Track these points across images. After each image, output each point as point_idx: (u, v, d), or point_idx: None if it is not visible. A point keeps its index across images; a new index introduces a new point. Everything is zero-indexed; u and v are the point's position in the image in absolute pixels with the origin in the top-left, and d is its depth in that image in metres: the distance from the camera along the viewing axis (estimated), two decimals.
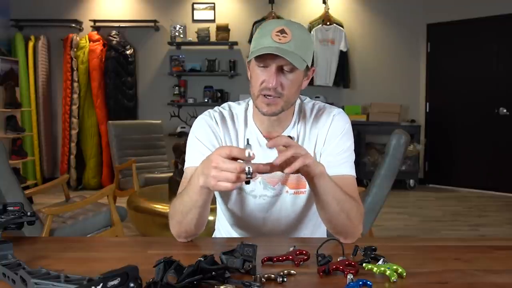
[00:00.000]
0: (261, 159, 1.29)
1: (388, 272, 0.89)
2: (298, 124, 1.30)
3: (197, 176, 1.05)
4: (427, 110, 6.35)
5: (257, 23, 6.02)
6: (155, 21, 6.25)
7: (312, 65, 1.24)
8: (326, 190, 1.10)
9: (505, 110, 5.69)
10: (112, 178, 5.54)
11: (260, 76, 1.18)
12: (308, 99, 1.37)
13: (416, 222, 4.45)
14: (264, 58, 1.15)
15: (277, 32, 1.14)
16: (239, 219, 1.35)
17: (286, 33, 1.14)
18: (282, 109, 1.20)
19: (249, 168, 0.95)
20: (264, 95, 1.18)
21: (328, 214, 1.14)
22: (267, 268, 0.95)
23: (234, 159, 0.97)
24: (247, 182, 0.98)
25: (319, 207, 1.16)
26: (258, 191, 1.29)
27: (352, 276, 0.85)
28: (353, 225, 1.16)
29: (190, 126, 1.35)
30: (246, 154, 0.95)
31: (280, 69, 1.16)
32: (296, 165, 0.99)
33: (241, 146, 1.30)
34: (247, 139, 1.03)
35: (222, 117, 1.32)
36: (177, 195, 1.18)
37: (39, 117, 6.03)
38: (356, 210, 1.16)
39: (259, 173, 0.99)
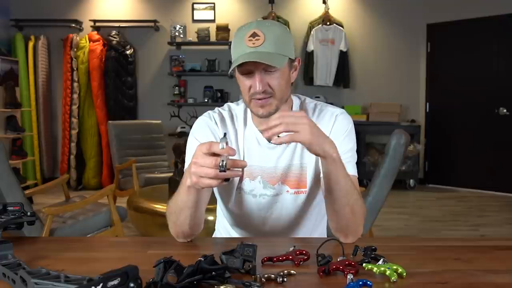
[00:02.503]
0: (260, 158, 1.29)
1: (388, 272, 0.89)
2: None
3: (185, 176, 1.06)
4: (427, 110, 6.35)
5: None
6: (155, 21, 6.26)
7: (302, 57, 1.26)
8: (336, 176, 1.10)
9: (505, 110, 5.69)
10: (112, 178, 5.54)
11: (247, 83, 1.19)
12: (308, 99, 1.37)
13: (416, 222, 4.45)
14: (245, 66, 1.16)
15: (249, 37, 1.14)
16: (239, 219, 1.35)
17: (258, 35, 1.14)
18: (277, 107, 1.20)
19: (222, 161, 0.92)
20: (255, 99, 1.19)
21: (334, 204, 1.14)
22: (267, 268, 0.95)
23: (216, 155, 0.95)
24: (226, 180, 0.95)
25: (328, 196, 1.16)
26: (257, 191, 1.29)
27: (352, 276, 0.85)
28: (355, 221, 1.16)
29: (190, 126, 1.35)
30: (220, 147, 0.92)
31: (263, 72, 1.16)
32: (285, 139, 1.03)
33: (241, 145, 1.30)
34: (224, 133, 1.03)
35: (222, 117, 1.32)
36: (172, 196, 1.18)
37: (39, 117, 6.03)
38: (359, 207, 1.16)
39: (237, 167, 0.95)
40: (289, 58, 1.20)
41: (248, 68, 1.16)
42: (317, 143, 1.04)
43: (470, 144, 5.94)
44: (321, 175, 1.18)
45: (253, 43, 1.14)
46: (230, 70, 1.19)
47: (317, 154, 1.07)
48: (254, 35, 1.14)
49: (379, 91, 6.28)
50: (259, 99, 1.18)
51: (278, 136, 1.03)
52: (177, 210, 1.13)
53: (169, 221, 1.17)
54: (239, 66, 1.15)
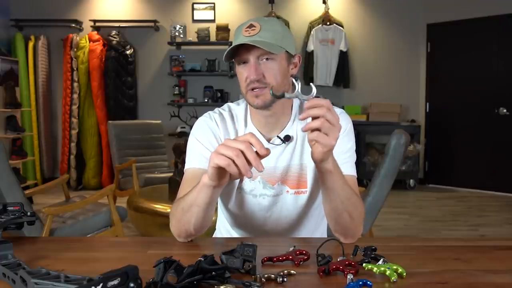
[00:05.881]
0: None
1: (388, 272, 0.89)
2: (297, 123, 1.30)
3: (203, 179, 1.05)
4: (427, 110, 6.35)
5: None
6: (155, 21, 6.26)
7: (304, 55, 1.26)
8: (332, 187, 1.10)
9: (505, 110, 5.69)
10: (112, 178, 5.54)
11: (243, 73, 1.20)
12: None
13: (416, 222, 4.45)
14: (240, 55, 1.18)
15: (246, 28, 1.17)
16: (239, 219, 1.35)
17: (254, 26, 1.17)
18: (273, 98, 1.19)
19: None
20: (252, 89, 1.19)
21: (332, 210, 1.15)
22: (267, 268, 0.95)
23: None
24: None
25: (324, 201, 1.16)
26: (257, 191, 1.29)
27: (352, 276, 0.85)
28: (354, 225, 1.16)
29: (190, 126, 1.35)
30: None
31: (258, 60, 1.17)
32: (313, 136, 0.97)
33: None
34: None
35: (222, 118, 1.32)
36: (183, 194, 1.17)
37: (39, 117, 6.03)
38: (358, 210, 1.16)
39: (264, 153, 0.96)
40: (287, 52, 1.21)
41: (244, 57, 1.18)
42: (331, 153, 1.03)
43: (470, 144, 5.94)
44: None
45: (249, 33, 1.16)
46: (223, 58, 1.20)
47: (318, 162, 1.05)
48: (250, 26, 1.17)
49: (379, 91, 6.29)
50: (254, 89, 1.18)
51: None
52: (186, 206, 1.11)
53: (173, 219, 1.16)
54: (236, 56, 1.18)
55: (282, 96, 1.03)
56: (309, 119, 0.97)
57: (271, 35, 1.16)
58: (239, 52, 1.17)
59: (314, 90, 1.00)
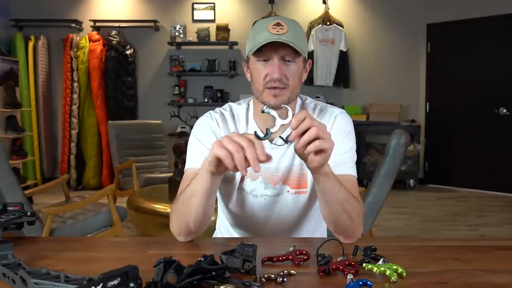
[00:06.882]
0: None
1: (388, 272, 0.89)
2: None
3: (204, 164, 1.05)
4: (427, 110, 6.35)
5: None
6: (155, 21, 6.26)
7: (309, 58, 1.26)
8: (330, 189, 1.09)
9: (505, 110, 5.69)
10: (112, 178, 5.54)
11: (263, 71, 1.18)
12: (309, 99, 1.37)
13: (416, 222, 4.45)
14: (265, 52, 1.16)
15: (274, 25, 1.15)
16: (240, 219, 1.34)
17: (282, 25, 1.15)
18: (289, 100, 1.20)
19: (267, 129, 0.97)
20: (270, 88, 1.18)
21: (330, 213, 1.14)
22: (267, 268, 0.95)
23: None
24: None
25: (322, 205, 1.16)
26: (258, 191, 1.29)
27: (352, 276, 0.85)
28: (354, 225, 1.16)
29: (190, 126, 1.35)
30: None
31: (281, 60, 1.17)
32: (314, 145, 0.96)
33: None
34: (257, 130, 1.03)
35: (223, 118, 1.32)
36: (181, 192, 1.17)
37: (39, 117, 6.03)
38: (357, 211, 1.16)
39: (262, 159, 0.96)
40: (304, 57, 1.21)
41: (268, 54, 1.16)
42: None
43: (470, 144, 5.94)
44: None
45: (277, 31, 1.14)
46: (253, 52, 1.17)
47: (321, 170, 1.04)
48: (278, 24, 1.15)
49: (379, 91, 6.29)
50: (274, 88, 1.17)
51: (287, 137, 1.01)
52: (185, 199, 1.11)
53: (173, 216, 1.16)
54: (258, 51, 1.16)
55: (270, 133, 0.99)
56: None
57: (296, 37, 1.16)
58: (263, 48, 1.15)
59: (289, 111, 0.99)
